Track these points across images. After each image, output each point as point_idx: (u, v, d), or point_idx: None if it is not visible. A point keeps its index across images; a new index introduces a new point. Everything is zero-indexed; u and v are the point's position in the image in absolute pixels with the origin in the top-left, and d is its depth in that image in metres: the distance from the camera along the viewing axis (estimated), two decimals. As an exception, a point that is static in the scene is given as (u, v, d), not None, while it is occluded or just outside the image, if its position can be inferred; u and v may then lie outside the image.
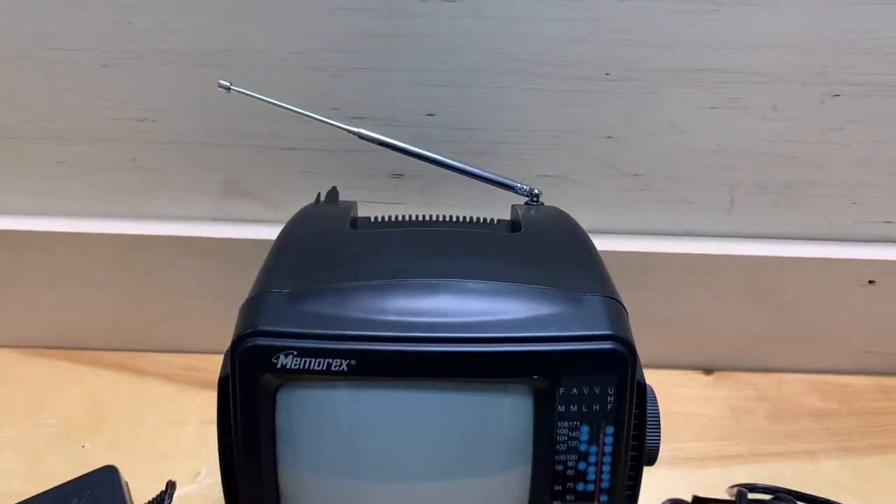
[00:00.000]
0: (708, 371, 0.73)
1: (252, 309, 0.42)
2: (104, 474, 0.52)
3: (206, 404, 0.68)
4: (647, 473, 0.58)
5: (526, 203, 0.58)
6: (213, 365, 0.74)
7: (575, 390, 0.41)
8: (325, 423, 0.42)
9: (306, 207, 0.55)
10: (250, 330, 0.40)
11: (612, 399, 0.41)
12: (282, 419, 0.42)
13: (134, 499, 0.55)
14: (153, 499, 0.51)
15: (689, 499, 0.56)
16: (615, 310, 0.43)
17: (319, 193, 0.58)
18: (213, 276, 0.69)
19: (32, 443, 0.63)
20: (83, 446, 0.63)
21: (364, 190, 0.66)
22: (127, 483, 0.54)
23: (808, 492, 0.57)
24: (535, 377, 0.41)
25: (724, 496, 0.56)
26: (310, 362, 0.40)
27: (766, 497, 0.54)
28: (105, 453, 0.62)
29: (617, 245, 0.67)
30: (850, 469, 0.63)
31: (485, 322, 0.41)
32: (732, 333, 0.71)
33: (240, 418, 0.42)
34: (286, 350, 0.40)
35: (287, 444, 0.43)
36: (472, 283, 0.43)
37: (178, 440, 0.64)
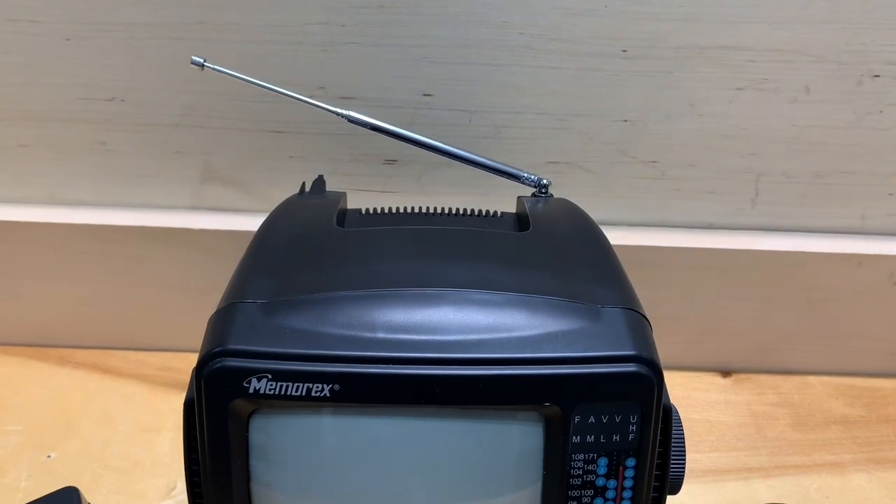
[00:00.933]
0: (725, 373, 0.68)
1: (221, 323, 0.36)
2: (64, 497, 0.47)
3: (181, 408, 0.63)
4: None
5: (533, 195, 0.52)
6: (189, 364, 0.69)
7: (592, 418, 0.36)
8: (306, 455, 0.37)
9: (289, 199, 0.50)
10: (218, 349, 0.35)
11: (634, 428, 0.36)
12: (255, 449, 0.37)
13: (100, 519, 0.50)
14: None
15: (710, 522, 0.51)
16: (638, 325, 0.37)
17: (304, 183, 0.52)
18: (191, 268, 0.63)
19: (-6, 453, 0.59)
20: (49, 456, 0.58)
21: (355, 177, 0.61)
22: (90, 505, 0.49)
23: (836, 510, 0.52)
24: (547, 404, 0.35)
25: (747, 516, 0.52)
26: (287, 387, 0.35)
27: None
28: (72, 464, 0.57)
29: (630, 239, 0.61)
30: (881, 483, 0.58)
31: (488, 340, 0.35)
32: (753, 333, 0.66)
33: (207, 448, 0.37)
34: (259, 373, 0.35)
35: (262, 477, 0.37)
36: (474, 294, 0.37)
37: (152, 448, 0.59)
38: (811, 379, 0.68)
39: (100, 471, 0.57)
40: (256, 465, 0.37)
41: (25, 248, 0.63)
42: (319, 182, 0.52)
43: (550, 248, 0.43)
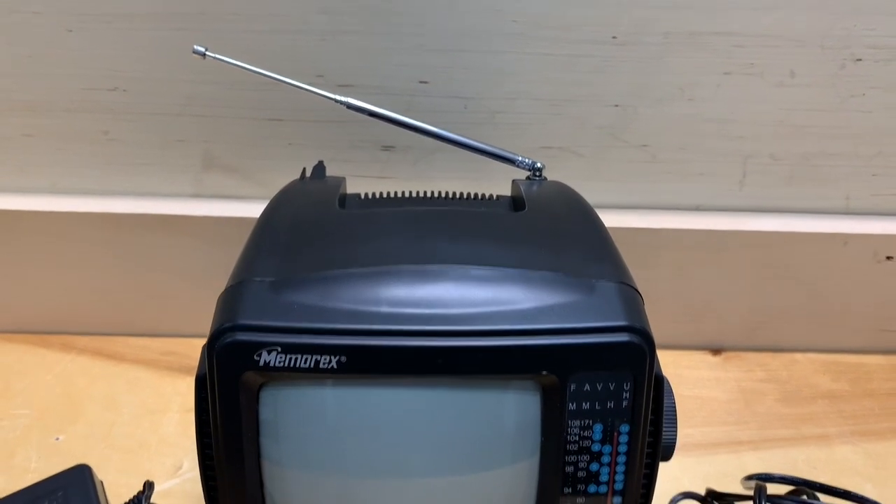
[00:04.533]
0: (716, 351, 0.70)
1: (231, 300, 0.38)
2: (76, 474, 0.48)
3: (187, 391, 0.64)
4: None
5: (527, 178, 0.54)
6: (194, 350, 0.70)
7: (587, 386, 0.37)
8: (314, 425, 0.38)
9: (290, 184, 0.51)
10: (229, 324, 0.36)
11: (627, 395, 0.38)
12: (266, 420, 0.38)
13: (110, 498, 0.51)
14: (129, 500, 0.47)
15: (702, 491, 0.53)
16: (631, 298, 0.39)
17: (305, 169, 0.54)
18: (193, 255, 0.64)
19: (4, 435, 0.60)
20: (57, 438, 0.59)
21: (353, 164, 0.62)
22: (101, 482, 0.50)
23: (822, 479, 0.53)
24: (544, 373, 0.37)
25: (737, 486, 0.53)
26: (296, 359, 0.36)
27: (783, 490, 0.51)
28: (80, 445, 0.59)
29: (622, 221, 0.63)
30: (866, 454, 0.60)
31: (488, 313, 0.37)
32: (742, 312, 0.68)
33: (220, 421, 0.38)
34: (269, 346, 0.36)
35: (272, 448, 0.39)
36: (473, 270, 0.39)
37: (157, 430, 0.61)
38: (798, 356, 0.70)
39: (107, 451, 0.58)
40: (267, 437, 0.39)
41: (29, 236, 0.64)
42: (320, 167, 0.54)
43: (545, 226, 0.44)
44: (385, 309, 0.37)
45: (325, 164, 0.55)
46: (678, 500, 0.51)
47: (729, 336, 0.69)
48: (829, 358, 0.69)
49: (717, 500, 0.51)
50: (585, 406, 0.38)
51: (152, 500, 0.52)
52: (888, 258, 0.64)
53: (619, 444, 0.39)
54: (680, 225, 0.63)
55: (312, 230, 0.43)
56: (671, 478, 0.55)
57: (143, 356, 0.68)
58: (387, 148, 0.62)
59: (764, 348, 0.70)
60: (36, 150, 0.63)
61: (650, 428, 0.40)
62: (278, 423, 0.38)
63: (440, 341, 0.36)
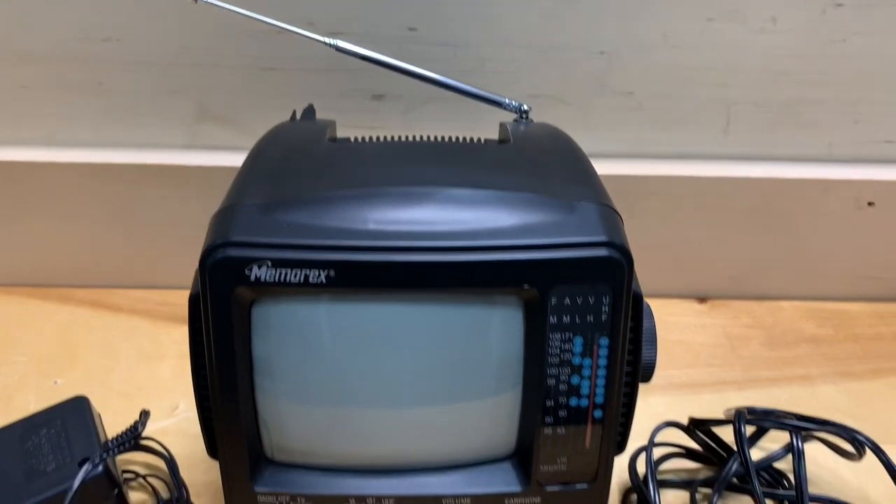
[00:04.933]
0: (702, 300, 0.71)
1: (222, 220, 0.39)
2: (75, 405, 0.49)
3: (183, 339, 0.64)
4: (642, 399, 0.56)
5: (514, 121, 0.55)
6: (189, 299, 0.71)
7: (567, 300, 0.39)
8: (304, 340, 0.40)
9: (281, 124, 0.52)
10: (220, 241, 0.38)
11: (606, 309, 0.39)
12: (257, 337, 0.40)
13: (108, 432, 0.52)
14: (126, 429, 0.48)
15: (685, 422, 0.54)
16: (610, 217, 0.40)
17: (295, 111, 0.55)
18: (188, 206, 0.66)
19: (3, 380, 0.61)
20: (56, 382, 0.61)
21: (343, 113, 0.63)
22: (99, 415, 0.51)
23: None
24: (526, 287, 0.38)
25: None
26: (286, 274, 0.37)
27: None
28: (78, 389, 0.59)
29: (609, 169, 0.64)
30: (847, 393, 0.62)
31: (471, 230, 0.38)
32: (728, 260, 0.69)
33: (213, 338, 0.39)
34: (260, 261, 0.37)
35: (264, 364, 0.40)
36: (457, 191, 0.40)
37: (154, 374, 0.62)
38: (784, 304, 0.71)
39: (105, 395, 0.59)
40: (259, 352, 0.40)
41: (26, 188, 0.65)
42: (309, 110, 0.55)
43: (529, 156, 0.46)
44: (372, 226, 0.38)
45: (317, 112, 0.56)
46: (661, 428, 0.53)
47: (715, 285, 0.71)
48: (814, 305, 0.71)
49: (698, 427, 0.53)
50: (566, 319, 0.39)
51: (150, 436, 0.54)
52: (870, 204, 0.66)
53: (598, 357, 0.40)
54: (665, 172, 0.64)
55: (302, 160, 0.44)
56: (655, 414, 0.56)
57: (140, 307, 0.69)
58: (377, 97, 0.63)
59: (749, 296, 0.71)
60: (32, 101, 0.64)
61: (630, 346, 0.42)
62: (270, 338, 0.40)
63: (425, 256, 0.38)
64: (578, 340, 0.40)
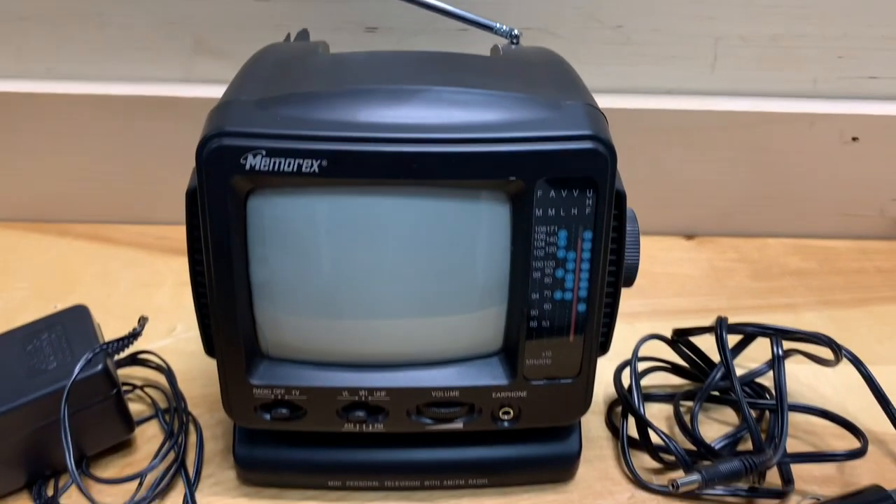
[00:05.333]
0: (689, 237, 0.73)
1: (219, 113, 0.40)
2: (75, 312, 0.51)
3: (180, 268, 0.65)
4: (628, 323, 0.58)
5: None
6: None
7: (553, 193, 0.40)
8: (297, 234, 0.41)
9: (275, 42, 0.53)
10: (216, 131, 0.39)
11: (590, 202, 0.40)
12: (253, 229, 0.41)
13: (107, 343, 0.54)
14: (126, 334, 0.49)
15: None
16: (595, 115, 0.41)
17: (289, 34, 0.56)
18: (185, 140, 0.66)
19: (3, 304, 0.62)
20: (55, 306, 0.61)
21: (337, 45, 0.63)
22: (99, 325, 0.52)
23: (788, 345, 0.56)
24: (512, 179, 0.39)
25: (705, 346, 0.56)
26: (280, 163, 0.39)
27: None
28: (78, 312, 0.61)
29: (599, 102, 0.65)
30: (830, 319, 0.63)
31: (460, 124, 0.39)
32: (715, 197, 0.71)
33: (209, 231, 0.40)
34: (255, 150, 0.39)
35: (259, 257, 0.41)
36: (447, 89, 0.41)
37: (152, 299, 0.63)
38: (770, 241, 0.72)
39: (103, 317, 0.60)
40: (254, 245, 0.41)
41: (26, 121, 0.66)
42: (303, 33, 0.56)
43: (520, 67, 0.47)
44: (363, 119, 0.39)
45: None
46: (646, 340, 0.54)
47: (702, 222, 0.72)
48: (800, 242, 0.72)
49: (682, 337, 0.54)
50: (551, 213, 0.40)
51: (151, 350, 0.55)
52: (854, 139, 0.67)
53: (582, 250, 0.41)
54: (654, 106, 0.66)
55: (296, 67, 0.45)
56: (640, 333, 0.58)
57: (137, 240, 0.70)
58: (370, 30, 0.64)
59: (736, 234, 0.72)
60: (32, 33, 0.65)
61: (613, 245, 0.43)
62: (264, 231, 0.41)
63: (415, 147, 0.39)
64: (563, 234, 0.41)
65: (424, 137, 0.39)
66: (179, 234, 0.70)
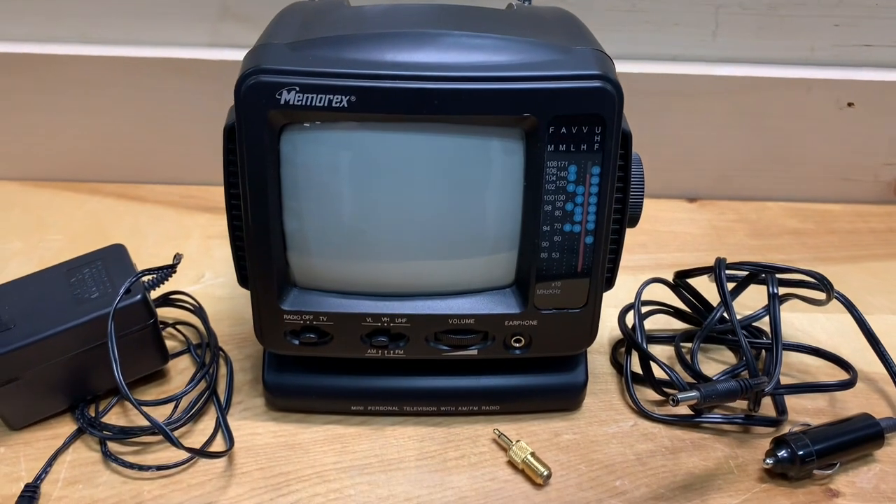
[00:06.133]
0: (692, 199, 0.76)
1: (255, 54, 0.43)
2: (114, 250, 0.54)
3: (207, 223, 0.70)
4: (632, 275, 0.60)
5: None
6: (213, 195, 0.77)
7: (563, 130, 0.43)
8: (327, 167, 0.44)
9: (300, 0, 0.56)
10: (254, 68, 0.42)
11: (598, 139, 0.44)
12: (286, 162, 0.44)
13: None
14: (164, 265, 0.52)
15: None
16: (604, 59, 0.45)
17: (314, -6, 0.59)
18: (211, 102, 0.70)
19: (40, 253, 0.66)
20: (90, 255, 0.65)
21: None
22: (135, 264, 0.56)
23: (784, 292, 0.59)
24: (526, 115, 0.43)
25: (706, 293, 0.59)
26: (312, 98, 0.42)
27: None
28: (110, 261, 0.65)
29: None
30: (825, 273, 0.65)
31: (480, 63, 0.43)
32: (716, 161, 0.74)
33: (246, 163, 0.44)
34: (289, 86, 0.42)
35: (291, 189, 0.45)
36: (467, 34, 0.44)
37: (180, 250, 0.66)
38: (769, 204, 0.76)
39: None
40: (286, 177, 0.44)
41: (59, 83, 0.70)
42: (328, -6, 0.59)
43: (534, 19, 0.50)
44: (389, 58, 0.43)
45: None
46: (648, 283, 0.57)
47: (704, 185, 0.75)
48: (798, 206, 0.75)
49: (682, 279, 0.57)
50: (562, 148, 0.43)
51: (186, 292, 0.59)
52: (849, 105, 0.70)
53: (590, 185, 0.45)
54: (658, 70, 0.69)
55: (322, 16, 0.48)
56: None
57: (164, 199, 0.73)
58: None
59: (737, 197, 0.76)
60: (67, 1, 0.68)
61: (619, 185, 0.46)
62: (296, 163, 0.44)
63: (436, 84, 0.42)
64: (573, 169, 0.44)
65: (445, 75, 0.42)
66: (204, 193, 0.75)
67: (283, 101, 0.42)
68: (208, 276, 0.64)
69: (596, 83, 0.43)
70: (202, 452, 0.47)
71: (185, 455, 0.48)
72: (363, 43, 0.43)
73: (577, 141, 0.44)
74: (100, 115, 0.72)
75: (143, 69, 0.69)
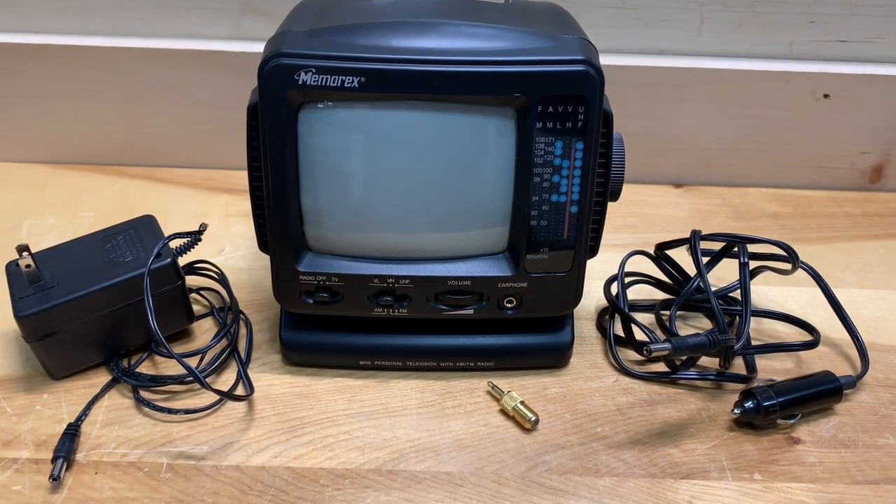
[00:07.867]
0: (678, 185, 0.81)
1: (276, 41, 0.49)
2: (145, 220, 0.59)
3: (227, 203, 0.75)
4: (619, 253, 0.65)
5: (513, 1, 0.64)
6: (232, 178, 0.82)
7: (551, 109, 0.48)
8: (339, 142, 0.49)
9: (316, -5, 0.62)
10: (275, 52, 0.48)
11: (582, 118, 0.49)
12: (303, 137, 0.49)
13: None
14: (192, 231, 0.57)
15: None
16: (587, 46, 0.50)
17: (329, -10, 0.64)
18: (232, 92, 0.75)
19: (73, 229, 0.71)
20: (118, 230, 0.71)
21: None
22: (163, 233, 0.61)
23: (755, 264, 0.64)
24: (517, 95, 0.48)
25: (686, 265, 0.64)
26: (326, 79, 0.47)
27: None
28: (138, 235, 0.70)
29: (597, 60, 0.74)
30: (800, 253, 0.70)
31: (477, 49, 0.48)
32: (701, 150, 0.79)
33: (267, 138, 0.49)
34: (307, 68, 0.47)
35: (307, 162, 0.50)
36: (465, 24, 0.50)
37: (202, 227, 0.72)
38: (751, 190, 0.81)
39: (161, 240, 0.70)
40: (303, 151, 0.50)
41: (91, 72, 0.75)
42: (341, -10, 0.64)
43: (527, 13, 0.55)
44: (395, 44, 0.48)
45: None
46: (631, 255, 0.62)
47: (690, 172, 0.80)
48: (778, 192, 0.80)
49: (662, 251, 0.62)
50: (549, 125, 0.49)
51: (209, 261, 0.64)
52: (825, 96, 0.75)
53: (575, 159, 0.50)
54: (646, 63, 0.74)
55: (337, 7, 0.54)
56: (631, 262, 0.66)
57: (186, 181, 0.79)
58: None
59: (721, 183, 0.81)
60: (99, -7, 0.74)
61: (601, 161, 0.51)
62: (312, 138, 0.49)
63: (437, 67, 0.47)
64: (559, 144, 0.49)
65: (446, 59, 0.48)
66: (224, 176, 0.80)
67: (300, 82, 0.48)
68: (228, 249, 0.69)
69: (580, 67, 0.48)
70: (227, 394, 0.52)
71: (209, 401, 0.53)
72: (372, 30, 0.49)
73: (563, 119, 0.49)
74: (126, 103, 0.77)
75: (167, 60, 0.75)
